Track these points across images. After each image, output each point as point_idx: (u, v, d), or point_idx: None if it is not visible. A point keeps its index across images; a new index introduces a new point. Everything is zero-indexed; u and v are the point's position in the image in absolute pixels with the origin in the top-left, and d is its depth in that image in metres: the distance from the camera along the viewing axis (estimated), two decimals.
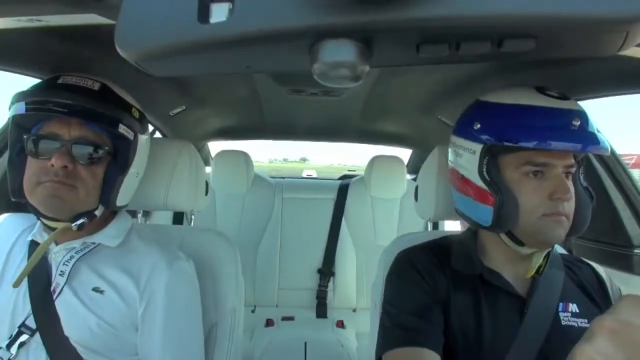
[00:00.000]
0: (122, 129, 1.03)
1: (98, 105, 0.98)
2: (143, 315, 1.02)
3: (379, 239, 2.79)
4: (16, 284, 0.96)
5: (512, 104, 0.92)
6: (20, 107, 0.97)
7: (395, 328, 0.95)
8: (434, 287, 0.97)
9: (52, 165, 0.95)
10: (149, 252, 1.09)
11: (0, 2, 0.73)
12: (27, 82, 1.17)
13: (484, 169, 0.92)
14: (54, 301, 0.98)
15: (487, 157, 0.92)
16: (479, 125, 0.93)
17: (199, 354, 1.10)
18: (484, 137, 0.91)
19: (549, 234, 0.89)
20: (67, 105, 0.96)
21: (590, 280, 1.04)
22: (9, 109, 1.00)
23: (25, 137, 0.99)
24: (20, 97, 0.98)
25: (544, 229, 0.89)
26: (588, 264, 1.09)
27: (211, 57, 0.51)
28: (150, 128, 2.14)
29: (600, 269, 1.08)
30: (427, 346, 0.90)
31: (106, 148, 1.03)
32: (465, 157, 0.97)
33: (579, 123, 0.86)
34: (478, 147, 0.92)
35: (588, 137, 0.85)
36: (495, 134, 0.90)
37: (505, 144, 0.87)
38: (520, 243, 0.94)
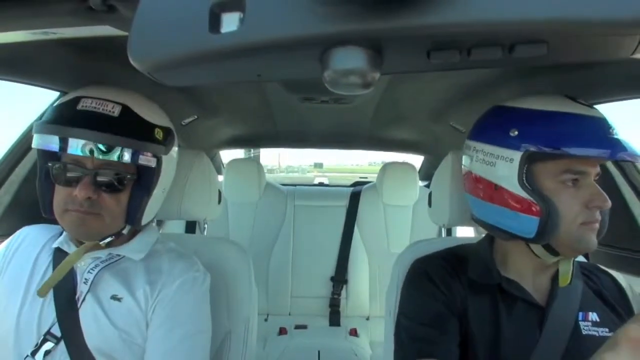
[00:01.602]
0: (142, 160, 1.01)
1: (116, 140, 0.96)
2: (151, 318, 1.03)
3: (392, 246, 2.77)
4: (42, 293, 0.97)
5: (550, 110, 0.90)
6: (51, 144, 0.95)
7: (410, 341, 0.94)
8: (449, 296, 0.96)
9: (77, 196, 0.96)
10: (170, 261, 1.10)
11: (16, 15, 0.74)
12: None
13: (524, 178, 0.89)
14: (78, 310, 0.99)
15: (526, 165, 0.88)
16: (516, 132, 0.90)
17: None
18: (524, 144, 0.88)
19: (588, 243, 0.88)
20: (87, 145, 0.94)
21: (609, 288, 1.02)
22: (30, 131, 1.01)
23: (50, 164, 1.00)
24: (45, 130, 0.96)
25: (583, 237, 0.88)
26: (606, 273, 1.07)
27: (222, 66, 0.51)
28: None
29: (620, 277, 1.06)
30: (443, 358, 0.89)
31: (129, 175, 1.03)
32: (500, 165, 0.92)
33: (614, 131, 0.86)
34: (516, 155, 0.89)
35: (627, 146, 0.84)
36: (539, 141, 0.87)
37: (552, 151, 0.85)
38: (555, 253, 0.91)
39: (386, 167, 2.80)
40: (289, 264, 2.78)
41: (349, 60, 0.45)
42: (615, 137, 0.86)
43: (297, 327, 2.61)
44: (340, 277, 2.76)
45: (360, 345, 2.43)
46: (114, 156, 0.96)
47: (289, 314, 2.76)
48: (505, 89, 1.38)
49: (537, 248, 0.93)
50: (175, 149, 1.14)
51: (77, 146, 0.94)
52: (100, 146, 0.95)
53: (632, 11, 0.40)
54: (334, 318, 2.72)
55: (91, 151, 0.94)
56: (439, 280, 0.98)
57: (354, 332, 2.57)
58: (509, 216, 0.92)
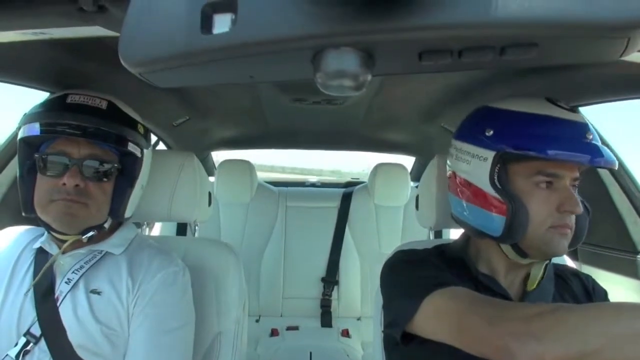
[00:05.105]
0: (130, 147, 1.07)
1: (107, 126, 1.02)
2: (132, 313, 1.04)
3: (383, 247, 2.77)
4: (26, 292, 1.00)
5: (528, 112, 0.90)
6: (34, 129, 1.00)
7: (417, 283, 0.89)
8: (437, 271, 0.95)
9: (64, 184, 0.99)
10: (150, 256, 1.12)
11: (5, 15, 0.73)
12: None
13: (496, 177, 0.89)
14: (58, 308, 1.00)
15: (498, 165, 0.89)
16: (491, 132, 0.90)
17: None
18: (498, 144, 0.89)
19: (555, 247, 0.88)
20: (79, 127, 0.99)
21: (579, 290, 1.03)
22: (18, 128, 1.04)
23: (36, 155, 1.03)
24: (31, 118, 1.01)
25: (551, 241, 0.87)
26: (577, 274, 1.07)
27: (214, 67, 0.51)
28: (154, 139, 2.16)
29: (590, 279, 1.07)
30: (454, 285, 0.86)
31: (115, 165, 1.07)
32: (474, 163, 0.93)
33: (591, 136, 0.86)
34: (490, 154, 0.90)
35: (602, 151, 0.84)
36: (511, 142, 0.87)
37: (523, 152, 0.85)
38: (523, 254, 0.92)
39: (378, 167, 2.80)
40: (280, 265, 2.78)
41: (341, 62, 0.45)
42: (590, 142, 0.86)
43: (289, 328, 2.60)
44: (331, 278, 2.76)
45: (352, 346, 2.43)
46: (103, 139, 1.02)
47: (281, 315, 2.75)
48: (496, 90, 1.39)
49: (507, 248, 0.94)
50: (150, 150, 1.19)
51: (68, 129, 0.99)
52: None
53: (619, 14, 0.41)
54: (326, 319, 2.71)
55: (82, 129, 0.99)
56: (426, 260, 0.99)
57: (345, 333, 2.57)
58: (480, 214, 0.94)
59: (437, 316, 0.84)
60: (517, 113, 0.91)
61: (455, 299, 0.83)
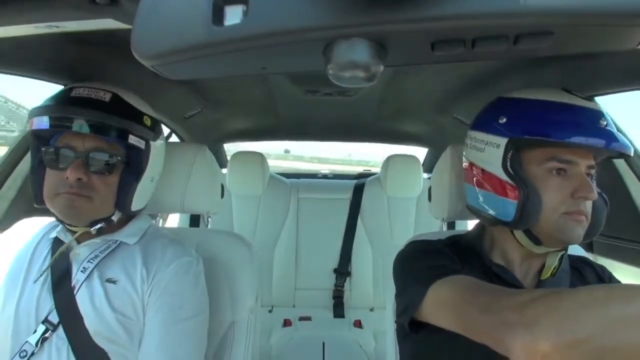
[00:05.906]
0: (132, 139, 1.06)
1: (108, 119, 1.02)
2: (147, 302, 1.06)
3: (396, 239, 2.77)
4: (37, 280, 1.03)
5: (540, 100, 0.91)
6: (42, 122, 1.01)
7: (425, 272, 0.90)
8: (450, 260, 0.95)
9: (67, 178, 1.00)
10: (163, 246, 1.13)
11: (19, 9, 0.74)
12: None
13: (508, 163, 0.90)
14: (74, 296, 1.02)
15: (511, 151, 0.90)
16: (504, 119, 0.92)
17: (196, 352, 1.10)
18: (511, 130, 0.90)
19: (569, 233, 0.87)
20: (79, 121, 1.00)
21: (593, 282, 1.02)
22: (27, 121, 1.04)
23: (43, 149, 1.04)
24: (40, 111, 1.02)
25: (564, 227, 0.87)
26: (592, 265, 1.07)
27: (226, 59, 0.51)
28: (167, 131, 2.17)
29: (605, 271, 1.06)
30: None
31: (119, 157, 1.07)
32: (487, 151, 0.95)
33: (606, 123, 0.86)
34: (503, 141, 0.91)
35: (618, 137, 0.84)
36: (523, 128, 0.88)
37: (534, 137, 0.86)
38: (537, 242, 0.92)
39: (390, 159, 2.79)
40: (293, 256, 2.79)
41: (353, 53, 0.45)
42: (604, 127, 0.86)
43: (302, 318, 2.62)
44: (343, 269, 2.77)
45: (365, 337, 2.44)
46: (105, 133, 1.02)
47: (293, 306, 2.77)
48: (510, 80, 1.38)
49: (520, 236, 0.94)
50: (162, 142, 1.19)
51: (70, 123, 0.99)
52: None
53: (636, 1, 0.40)
54: (338, 310, 2.73)
55: (82, 127, 0.99)
56: (437, 249, 0.99)
57: (358, 324, 2.58)
58: (493, 200, 0.95)
59: (439, 305, 0.84)
60: (529, 100, 0.93)
61: (455, 288, 0.83)
